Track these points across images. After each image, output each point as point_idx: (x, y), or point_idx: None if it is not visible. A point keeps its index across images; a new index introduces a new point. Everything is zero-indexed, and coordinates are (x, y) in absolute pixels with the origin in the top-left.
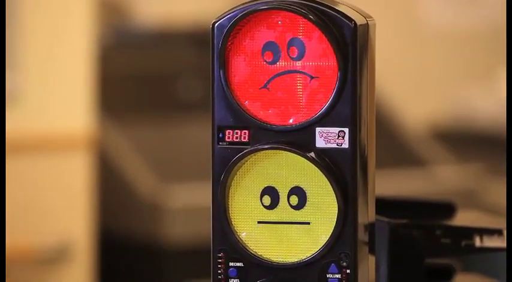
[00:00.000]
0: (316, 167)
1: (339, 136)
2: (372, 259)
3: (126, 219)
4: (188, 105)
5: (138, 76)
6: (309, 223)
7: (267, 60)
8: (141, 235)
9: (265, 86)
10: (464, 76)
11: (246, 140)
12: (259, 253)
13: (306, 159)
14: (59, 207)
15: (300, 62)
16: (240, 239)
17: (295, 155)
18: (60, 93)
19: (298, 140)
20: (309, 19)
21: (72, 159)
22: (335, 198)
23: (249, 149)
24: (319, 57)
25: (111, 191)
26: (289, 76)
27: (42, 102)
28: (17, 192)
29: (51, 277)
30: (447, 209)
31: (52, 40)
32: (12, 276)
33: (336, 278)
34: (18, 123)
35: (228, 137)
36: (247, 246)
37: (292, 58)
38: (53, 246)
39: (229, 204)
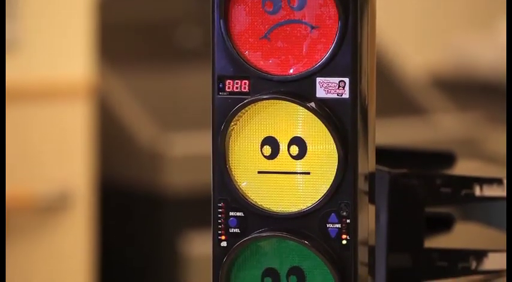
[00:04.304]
0: (316, 117)
1: (339, 86)
2: (371, 208)
3: (126, 168)
4: (188, 53)
5: (139, 24)
6: (309, 173)
7: (268, 10)
8: (141, 183)
9: (265, 36)
10: (464, 24)
11: (246, 90)
12: (259, 203)
13: (306, 109)
14: (58, 155)
15: (300, 11)
16: (240, 188)
17: (296, 105)
18: (59, 41)
19: (298, 90)
20: None
21: (72, 107)
22: (335, 148)
23: (249, 99)
24: (319, 6)
25: (111, 139)
26: (289, 26)
27: (42, 51)
28: (16, 141)
29: (52, 225)
30: (447, 158)
31: None
32: (12, 224)
33: (336, 227)
34: (17, 72)
35: (228, 87)
36: (247, 196)
37: (292, 8)
38: (53, 194)
39: (229, 154)
